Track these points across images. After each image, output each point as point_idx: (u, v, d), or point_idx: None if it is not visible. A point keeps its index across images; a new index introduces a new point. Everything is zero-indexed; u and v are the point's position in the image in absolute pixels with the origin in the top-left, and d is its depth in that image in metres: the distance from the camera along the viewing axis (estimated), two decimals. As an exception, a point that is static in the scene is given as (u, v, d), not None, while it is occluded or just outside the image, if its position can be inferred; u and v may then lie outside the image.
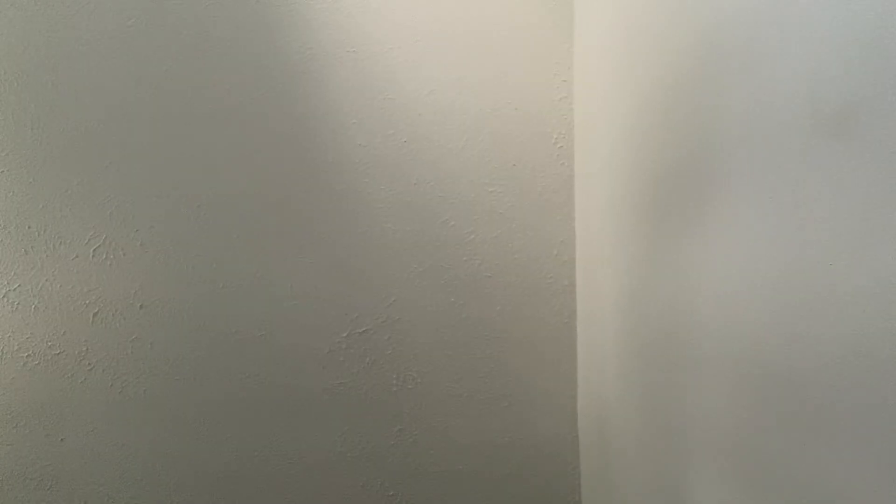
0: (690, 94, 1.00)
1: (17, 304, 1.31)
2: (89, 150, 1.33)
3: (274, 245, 1.38)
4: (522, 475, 1.48)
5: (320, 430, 1.41)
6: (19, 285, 1.31)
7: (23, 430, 1.32)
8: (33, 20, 1.31)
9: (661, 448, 1.12)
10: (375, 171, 1.41)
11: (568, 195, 1.47)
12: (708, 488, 0.98)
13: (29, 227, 1.32)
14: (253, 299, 1.37)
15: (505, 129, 1.44)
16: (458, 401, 1.44)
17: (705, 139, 0.97)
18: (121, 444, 1.34)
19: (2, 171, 1.31)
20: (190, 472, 1.37)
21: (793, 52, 0.78)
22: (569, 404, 1.48)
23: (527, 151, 1.45)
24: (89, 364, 1.33)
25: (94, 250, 1.33)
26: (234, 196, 1.37)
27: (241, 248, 1.37)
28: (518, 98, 1.45)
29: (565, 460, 1.48)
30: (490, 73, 1.44)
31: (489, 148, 1.44)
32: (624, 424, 1.26)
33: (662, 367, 1.11)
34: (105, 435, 1.34)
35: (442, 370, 1.43)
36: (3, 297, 1.31)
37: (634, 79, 1.18)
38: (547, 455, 1.48)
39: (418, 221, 1.42)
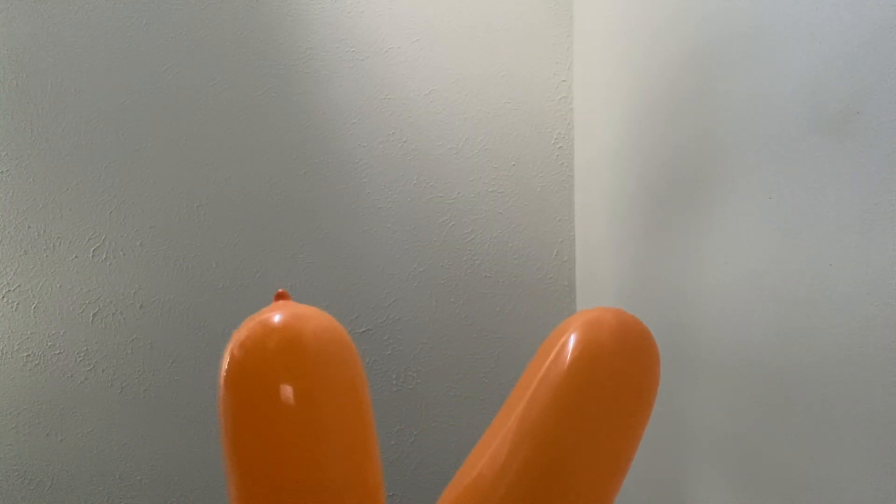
0: (690, 94, 1.01)
1: (17, 304, 1.31)
2: (89, 150, 1.33)
3: (274, 245, 1.38)
4: (522, 475, 1.48)
5: (320, 430, 1.41)
6: (19, 285, 1.31)
7: (23, 430, 1.32)
8: (34, 20, 1.32)
9: (661, 447, 1.12)
10: (375, 171, 1.41)
11: (568, 195, 1.47)
12: (707, 488, 0.98)
13: (29, 227, 1.32)
14: (253, 299, 1.37)
15: (505, 129, 1.44)
16: (458, 401, 1.44)
17: (705, 139, 0.97)
18: (121, 444, 1.34)
19: (2, 171, 1.31)
20: (190, 472, 1.37)
21: (793, 51, 0.78)
22: (569, 404, 1.48)
23: (526, 151, 1.45)
24: (89, 364, 1.33)
25: (94, 250, 1.33)
26: (234, 196, 1.37)
27: (241, 248, 1.37)
28: (518, 98, 1.45)
29: (565, 460, 1.48)
30: (490, 72, 1.44)
31: (489, 148, 1.44)
32: (624, 424, 1.25)
33: (662, 366, 1.10)
34: (105, 435, 1.34)
35: (442, 370, 1.43)
36: (3, 297, 1.31)
37: (634, 79, 1.19)
38: (547, 455, 1.47)
39: (418, 221, 1.42)
